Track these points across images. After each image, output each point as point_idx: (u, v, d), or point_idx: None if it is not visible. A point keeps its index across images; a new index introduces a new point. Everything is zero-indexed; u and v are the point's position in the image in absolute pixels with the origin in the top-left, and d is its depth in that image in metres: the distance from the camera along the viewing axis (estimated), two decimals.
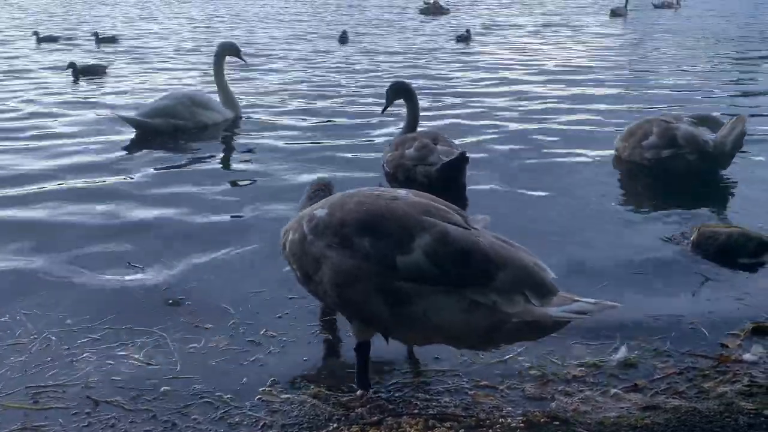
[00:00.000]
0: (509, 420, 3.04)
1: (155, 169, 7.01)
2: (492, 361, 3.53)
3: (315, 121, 9.31)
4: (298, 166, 7.09)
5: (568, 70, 13.81)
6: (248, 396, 3.27)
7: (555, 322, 2.92)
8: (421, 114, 7.47)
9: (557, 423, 3.00)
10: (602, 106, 10.16)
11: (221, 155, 7.89)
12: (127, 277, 4.52)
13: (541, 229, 5.30)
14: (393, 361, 3.52)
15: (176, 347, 3.67)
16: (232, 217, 5.66)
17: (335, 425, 3.01)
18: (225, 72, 9.34)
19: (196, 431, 3.03)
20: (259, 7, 34.34)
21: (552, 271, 2.99)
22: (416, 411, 3.12)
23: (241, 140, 8.44)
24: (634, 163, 6.84)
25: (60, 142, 8.12)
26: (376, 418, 3.03)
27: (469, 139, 7.99)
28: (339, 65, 14.70)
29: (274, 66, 14.51)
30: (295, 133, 8.63)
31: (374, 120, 9.13)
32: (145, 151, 7.85)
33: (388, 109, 7.45)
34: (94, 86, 12.12)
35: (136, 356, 3.59)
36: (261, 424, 3.07)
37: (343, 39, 19.41)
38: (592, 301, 2.93)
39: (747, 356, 3.56)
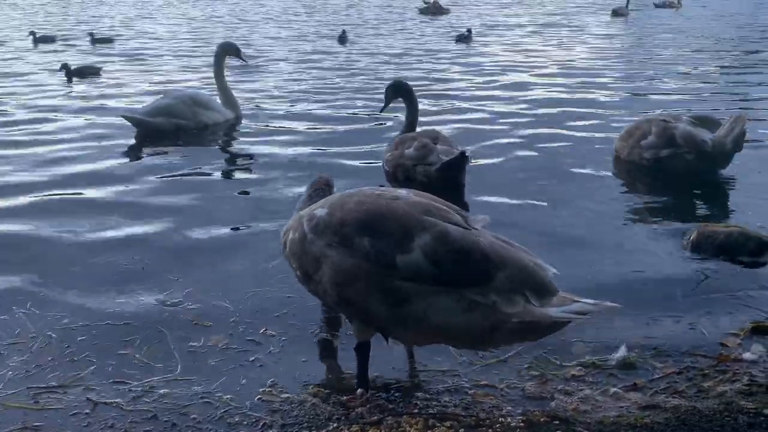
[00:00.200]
0: (509, 419, 3.04)
1: (154, 171, 6.96)
2: (492, 360, 3.53)
3: (314, 120, 9.30)
4: (298, 166, 7.08)
5: (569, 70, 13.81)
6: (248, 396, 3.27)
7: (555, 323, 2.93)
8: (421, 114, 7.47)
9: (557, 422, 3.00)
10: (602, 106, 10.16)
11: (221, 156, 7.89)
12: (127, 277, 4.52)
13: (540, 229, 5.30)
14: (393, 361, 3.52)
15: (176, 347, 3.68)
16: (231, 217, 5.65)
17: (335, 425, 3.01)
18: (225, 72, 9.34)
19: (197, 431, 3.03)
20: (258, 8, 34.33)
21: (552, 268, 2.99)
22: (416, 410, 3.13)
23: (241, 141, 8.43)
24: (633, 163, 6.84)
25: (53, 147, 7.93)
26: (376, 417, 3.04)
27: (468, 139, 7.98)
28: (338, 65, 14.71)
29: (273, 66, 14.51)
30: (294, 132, 8.63)
31: (373, 119, 9.14)
32: (144, 151, 7.85)
33: (388, 108, 7.46)
34: (88, 88, 12.02)
35: (136, 356, 3.60)
36: (261, 423, 3.07)
37: (343, 39, 19.41)
38: (592, 301, 2.94)
39: (747, 355, 3.57)
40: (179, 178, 6.73)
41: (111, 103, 10.58)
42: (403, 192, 3.23)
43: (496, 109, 9.94)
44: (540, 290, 2.91)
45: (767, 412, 3.04)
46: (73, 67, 12.98)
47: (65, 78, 12.77)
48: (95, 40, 18.87)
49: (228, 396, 3.26)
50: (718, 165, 6.62)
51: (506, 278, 2.89)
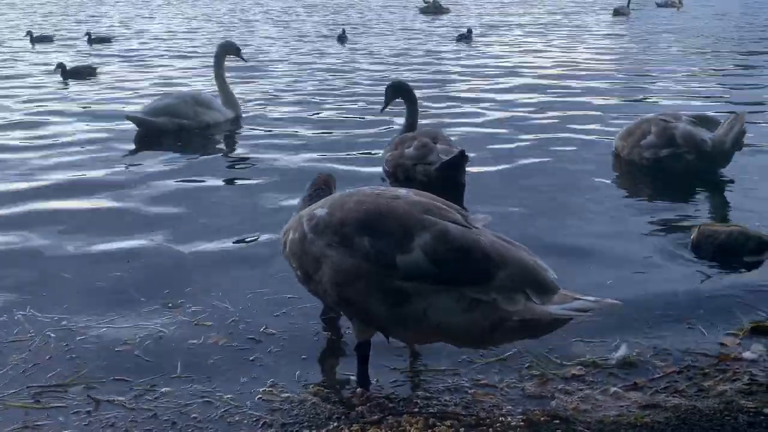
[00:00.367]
0: (509, 419, 3.04)
1: (154, 172, 6.94)
2: (492, 359, 3.53)
3: (313, 120, 9.31)
4: (298, 165, 7.08)
5: (570, 70, 13.81)
6: (248, 395, 3.27)
7: (556, 320, 2.93)
8: (421, 114, 7.47)
9: (557, 421, 3.00)
10: (603, 106, 10.16)
11: (221, 156, 7.90)
12: (128, 276, 4.52)
13: (540, 228, 5.31)
14: (393, 360, 3.52)
15: (176, 346, 3.68)
16: (232, 218, 5.65)
17: (335, 424, 3.01)
18: (225, 72, 9.34)
19: (197, 430, 3.03)
20: (258, 7, 34.32)
21: (552, 270, 3.00)
22: (416, 409, 3.13)
23: (241, 141, 8.43)
24: (632, 163, 6.84)
25: (48, 152, 7.76)
26: (376, 416, 3.04)
27: (468, 139, 7.98)
28: (338, 65, 14.70)
29: (272, 66, 14.50)
30: (294, 132, 8.62)
31: (373, 119, 9.13)
32: (142, 153, 7.85)
33: (388, 108, 7.46)
34: (84, 89, 11.95)
35: (137, 354, 3.60)
36: (261, 423, 3.07)
37: (342, 39, 19.40)
38: (593, 298, 2.94)
39: (747, 354, 3.57)
40: (180, 179, 6.71)
41: (107, 104, 10.50)
42: (403, 191, 3.23)
43: (496, 109, 9.94)
44: (541, 288, 2.91)
45: (767, 411, 3.04)
46: (68, 67, 12.91)
47: (61, 78, 12.70)
48: (92, 40, 18.81)
49: (228, 395, 3.26)
50: (718, 164, 6.62)
51: (507, 276, 2.89)
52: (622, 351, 3.55)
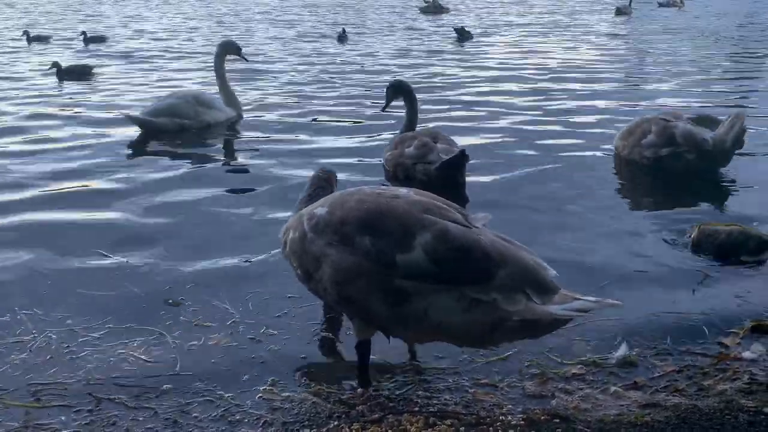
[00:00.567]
0: (509, 418, 3.05)
1: (155, 170, 6.95)
2: (492, 358, 3.54)
3: (314, 120, 9.30)
4: (298, 165, 7.07)
5: (571, 69, 13.81)
6: (249, 394, 3.28)
7: (556, 320, 2.93)
8: (421, 113, 7.47)
9: (557, 421, 3.01)
10: (604, 105, 10.16)
11: (222, 156, 7.90)
12: (128, 276, 4.52)
13: (541, 228, 5.31)
14: (394, 359, 3.53)
15: (177, 345, 3.68)
16: (231, 217, 5.65)
17: (336, 423, 3.02)
18: (226, 71, 9.34)
19: (198, 429, 3.04)
20: (258, 7, 34.32)
21: (552, 270, 3.00)
22: (417, 409, 3.13)
23: (242, 141, 8.43)
24: (633, 162, 6.84)
25: (45, 153, 7.69)
26: (377, 415, 3.04)
27: (468, 138, 7.98)
28: (338, 64, 14.70)
29: (272, 65, 14.49)
30: (295, 132, 8.62)
31: (374, 118, 9.13)
32: (142, 154, 7.85)
33: (389, 107, 7.45)
34: (80, 89, 11.86)
35: (137, 354, 3.60)
36: (262, 422, 3.08)
37: (342, 38, 19.38)
38: (594, 299, 2.94)
39: (747, 354, 3.57)
40: (180, 180, 6.70)
41: (105, 105, 10.39)
42: (403, 191, 3.23)
43: (496, 109, 9.93)
44: (541, 288, 2.92)
45: (767, 411, 3.05)
46: (64, 66, 12.85)
47: (56, 78, 12.63)
48: (87, 39, 18.76)
49: (229, 394, 3.27)
50: (719, 164, 6.62)
51: (507, 276, 2.90)
52: (623, 350, 3.56)
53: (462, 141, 7.05)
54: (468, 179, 6.22)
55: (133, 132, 8.48)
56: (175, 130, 8.45)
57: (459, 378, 3.40)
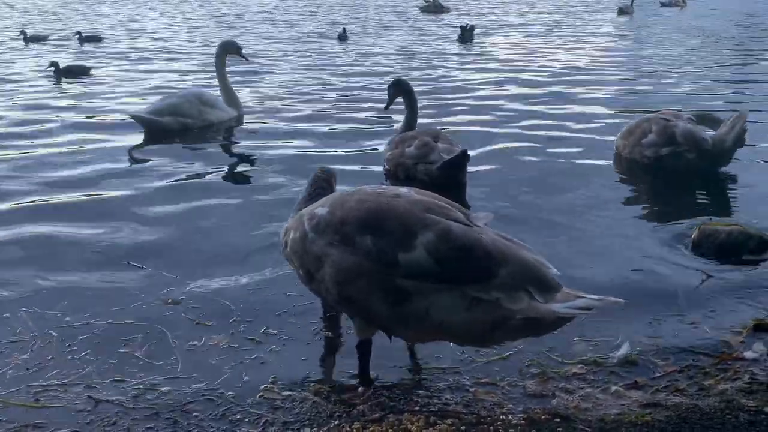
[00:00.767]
0: (510, 417, 3.05)
1: (155, 173, 6.94)
2: (493, 358, 3.54)
3: (314, 119, 9.30)
4: (299, 165, 7.06)
5: (572, 68, 13.82)
6: (249, 393, 3.27)
7: (559, 318, 2.93)
8: (422, 113, 7.46)
9: (558, 420, 3.01)
10: (604, 105, 10.17)
11: (222, 156, 7.89)
12: (128, 277, 4.52)
13: (541, 227, 5.31)
14: (394, 358, 3.52)
15: (177, 345, 3.68)
16: (232, 218, 5.65)
17: (337, 422, 3.02)
18: (226, 71, 9.35)
19: (198, 429, 3.04)
20: (258, 7, 34.31)
21: (554, 268, 2.99)
22: (417, 408, 3.13)
23: (242, 141, 8.41)
24: (633, 162, 6.84)
25: (46, 152, 7.75)
26: (377, 415, 3.04)
27: (469, 138, 7.98)
28: (338, 64, 14.70)
29: (272, 65, 14.49)
30: (295, 131, 8.62)
31: (374, 118, 9.13)
32: (143, 154, 7.84)
33: (391, 106, 7.43)
34: (79, 88, 11.86)
35: (137, 354, 3.60)
36: (263, 421, 3.07)
37: (343, 37, 19.37)
38: (596, 297, 2.94)
39: (748, 354, 3.57)
40: (181, 180, 6.70)
41: (105, 104, 10.42)
42: (404, 190, 3.23)
43: (497, 109, 9.94)
44: (543, 286, 2.91)
45: None
46: (62, 66, 12.83)
47: (54, 77, 12.61)
48: (83, 39, 18.72)
49: (230, 393, 3.27)
50: (719, 163, 6.62)
51: (509, 275, 2.89)
52: (623, 350, 3.55)
53: (462, 141, 7.04)
54: (468, 179, 6.21)
55: (134, 132, 8.47)
56: (178, 129, 8.46)
57: (459, 377, 3.40)
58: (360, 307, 3.09)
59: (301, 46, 18.21)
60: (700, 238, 4.87)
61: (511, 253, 2.94)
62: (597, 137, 8.12)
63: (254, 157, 7.52)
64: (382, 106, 7.55)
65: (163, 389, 3.30)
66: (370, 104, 10.10)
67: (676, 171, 6.53)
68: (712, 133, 6.50)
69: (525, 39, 19.91)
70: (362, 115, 9.50)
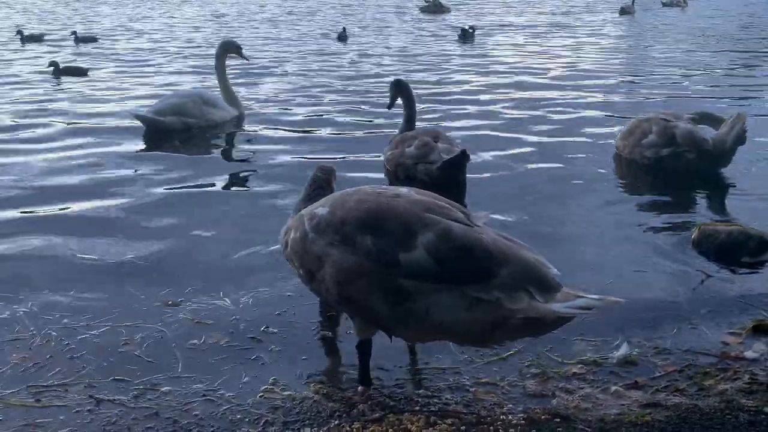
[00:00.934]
0: (510, 417, 3.05)
1: (156, 171, 6.94)
2: (493, 358, 3.54)
3: (314, 119, 9.30)
4: (298, 165, 7.08)
5: (573, 69, 13.80)
6: (250, 393, 3.28)
7: (559, 318, 2.93)
8: (422, 113, 7.46)
9: (558, 420, 3.01)
10: (605, 105, 10.16)
11: (223, 156, 7.89)
12: (128, 276, 4.52)
13: (541, 227, 5.32)
14: (394, 358, 3.53)
15: (177, 345, 3.68)
16: (232, 218, 5.66)
17: (337, 422, 3.02)
18: (227, 71, 9.35)
19: (198, 428, 3.04)
20: (258, 7, 34.30)
21: (554, 268, 3.00)
22: (417, 408, 3.13)
23: (242, 142, 8.42)
24: (633, 162, 6.84)
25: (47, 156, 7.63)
26: (377, 414, 3.04)
27: (469, 138, 7.98)
28: (338, 64, 14.69)
29: (272, 65, 14.47)
30: (295, 132, 8.63)
31: (374, 118, 9.13)
32: (143, 154, 7.84)
33: (394, 105, 7.41)
34: (78, 88, 11.80)
35: (137, 353, 3.60)
36: (263, 421, 3.08)
37: (342, 37, 19.34)
38: (596, 296, 2.94)
39: (748, 354, 3.57)
40: (181, 180, 6.69)
41: (102, 105, 10.36)
42: (404, 190, 3.23)
43: (497, 109, 9.93)
44: (543, 286, 2.92)
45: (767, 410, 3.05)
46: (61, 66, 12.79)
47: (53, 76, 12.55)
48: (78, 39, 18.69)
49: (230, 393, 3.27)
50: (719, 164, 6.62)
51: (509, 274, 2.89)
52: (623, 350, 3.56)
53: (462, 141, 7.04)
54: (468, 179, 6.21)
55: (135, 133, 8.47)
56: (181, 129, 8.46)
57: (460, 377, 3.40)
58: (360, 307, 3.10)
59: (301, 45, 18.20)
60: (700, 238, 4.87)
61: (512, 253, 2.94)
62: (597, 137, 8.12)
63: (253, 159, 7.51)
64: (382, 106, 7.57)
65: (163, 389, 3.31)
66: (369, 104, 10.08)
67: (676, 171, 6.53)
68: (712, 133, 6.50)
69: (526, 39, 19.88)
70: (362, 115, 9.49)
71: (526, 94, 11.08)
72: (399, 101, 7.35)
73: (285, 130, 8.72)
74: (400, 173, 6.34)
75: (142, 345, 3.68)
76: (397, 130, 7.10)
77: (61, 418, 3.10)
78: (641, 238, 5.14)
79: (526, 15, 29.34)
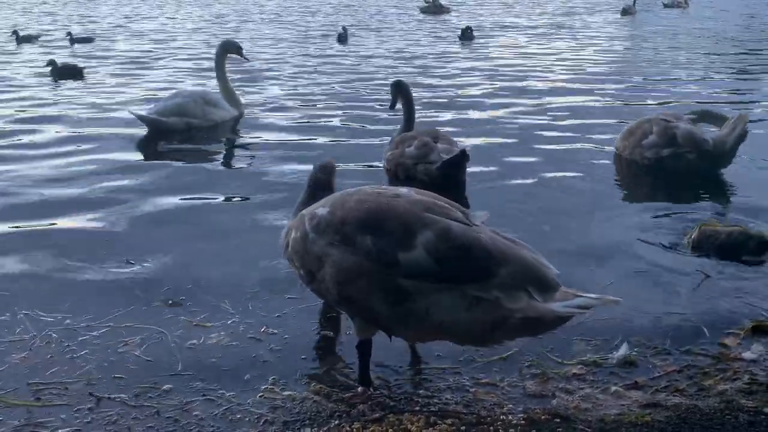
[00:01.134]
0: (510, 417, 3.05)
1: (157, 173, 6.91)
2: (493, 358, 3.54)
3: (315, 119, 9.30)
4: (298, 166, 7.05)
5: (573, 69, 13.82)
6: (250, 393, 3.28)
7: (558, 318, 2.93)
8: (422, 114, 7.46)
9: (558, 420, 3.01)
10: (606, 106, 10.17)
11: (222, 158, 7.88)
12: (128, 276, 4.52)
13: (541, 227, 5.32)
14: (394, 358, 3.53)
15: (177, 345, 3.68)
16: (231, 218, 5.66)
17: (337, 422, 3.02)
18: (227, 71, 9.35)
19: (199, 428, 3.04)
20: (257, 7, 34.31)
21: (554, 268, 3.00)
22: (417, 408, 3.13)
23: (243, 142, 8.41)
24: (634, 163, 6.85)
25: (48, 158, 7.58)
26: (377, 414, 3.05)
27: (469, 137, 7.99)
28: (338, 64, 14.69)
29: (272, 65, 14.47)
30: (295, 132, 8.62)
31: (374, 118, 9.13)
32: (144, 155, 7.84)
33: (396, 105, 7.41)
34: (77, 89, 11.76)
35: (137, 354, 3.60)
36: (263, 420, 3.08)
37: (342, 38, 19.31)
38: (595, 296, 2.95)
39: (747, 354, 3.58)
40: (182, 182, 6.68)
41: (104, 104, 10.35)
42: (404, 190, 3.24)
43: (498, 110, 9.94)
44: (542, 285, 2.92)
45: (767, 411, 3.05)
46: (59, 65, 12.76)
47: (51, 76, 12.52)
48: (73, 40, 18.65)
49: (230, 393, 3.27)
50: (720, 164, 6.62)
51: (508, 274, 2.90)
52: (623, 350, 3.56)
53: (462, 141, 7.04)
54: (468, 179, 6.21)
55: (136, 133, 8.46)
56: (182, 129, 8.46)
57: (460, 377, 3.40)
58: (360, 307, 3.10)
59: (301, 46, 18.21)
60: (700, 239, 4.87)
61: (511, 252, 2.95)
62: (597, 138, 8.11)
63: (253, 159, 7.51)
64: (382, 107, 7.56)
65: (163, 388, 3.31)
66: (369, 104, 10.08)
67: (676, 172, 6.54)
68: (713, 134, 6.50)
69: (526, 40, 19.89)
70: (362, 115, 9.47)
71: (525, 95, 11.07)
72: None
73: (284, 130, 8.70)
74: (400, 173, 6.35)
75: (142, 345, 3.68)
76: (397, 131, 7.11)
77: (62, 417, 3.10)
78: (641, 238, 5.14)
79: (526, 15, 29.34)
